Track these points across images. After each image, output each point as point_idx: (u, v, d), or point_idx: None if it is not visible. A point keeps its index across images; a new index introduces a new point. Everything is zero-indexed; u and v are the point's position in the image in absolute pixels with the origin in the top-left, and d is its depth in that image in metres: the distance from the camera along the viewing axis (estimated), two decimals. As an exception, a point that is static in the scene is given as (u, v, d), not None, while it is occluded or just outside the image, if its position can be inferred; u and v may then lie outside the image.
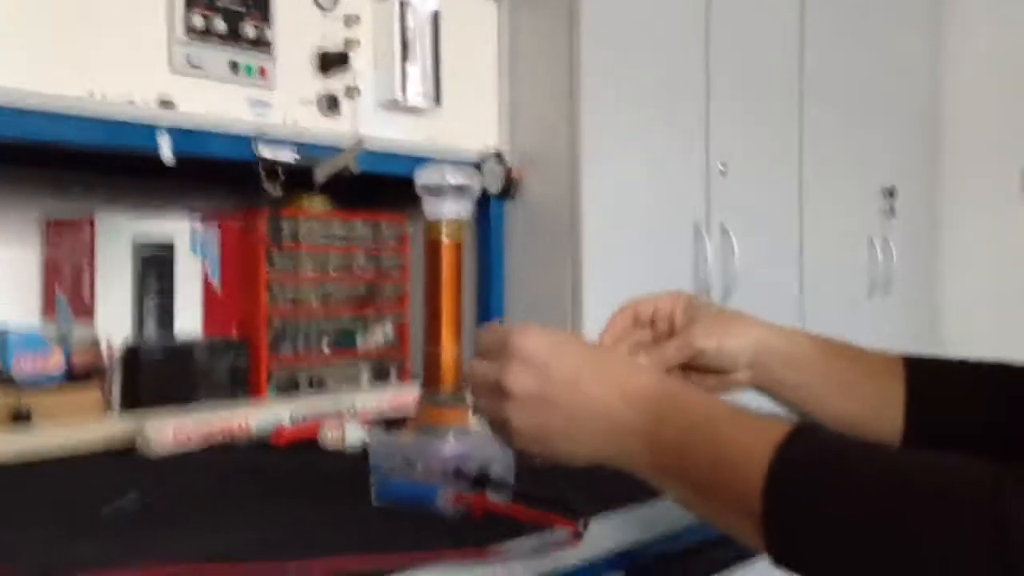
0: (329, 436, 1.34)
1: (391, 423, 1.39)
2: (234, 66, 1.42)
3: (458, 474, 0.95)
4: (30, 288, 1.57)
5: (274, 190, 1.50)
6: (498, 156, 1.84)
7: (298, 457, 1.32)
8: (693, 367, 0.92)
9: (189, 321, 1.63)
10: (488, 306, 1.89)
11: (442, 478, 0.95)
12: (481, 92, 1.83)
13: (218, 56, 1.41)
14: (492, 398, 0.81)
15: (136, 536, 0.93)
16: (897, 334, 2.88)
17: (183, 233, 1.62)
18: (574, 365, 0.79)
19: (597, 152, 1.86)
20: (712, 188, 2.14)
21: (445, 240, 0.99)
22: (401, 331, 1.93)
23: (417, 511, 0.96)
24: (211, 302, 1.66)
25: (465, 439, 0.98)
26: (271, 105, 1.49)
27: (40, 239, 1.57)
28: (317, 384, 1.79)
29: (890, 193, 2.81)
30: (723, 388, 0.94)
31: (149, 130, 1.35)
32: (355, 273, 1.85)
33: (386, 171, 1.70)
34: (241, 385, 1.66)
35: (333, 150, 1.57)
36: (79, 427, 1.35)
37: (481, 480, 0.94)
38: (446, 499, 0.95)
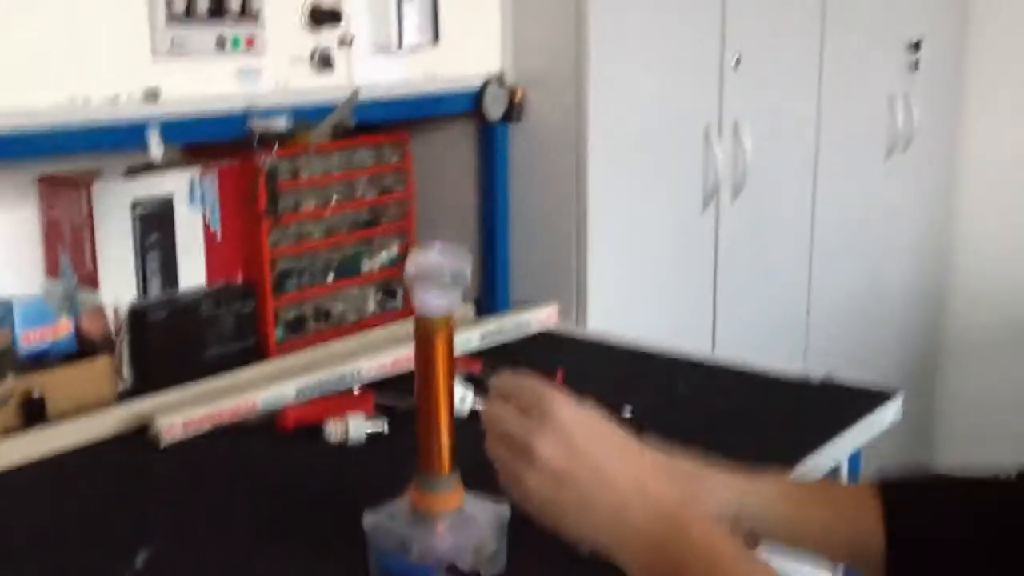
0: (333, 430, 1.37)
1: (392, 411, 1.43)
2: (221, 42, 1.37)
3: (452, 569, 0.98)
4: (32, 249, 1.56)
5: (269, 160, 1.46)
6: (500, 80, 1.78)
7: (301, 450, 1.36)
8: None
9: (193, 273, 1.63)
10: (492, 233, 1.87)
11: (436, 567, 0.99)
12: (482, 16, 1.75)
13: (203, 35, 1.34)
14: (515, 455, 0.84)
15: None
16: (914, 194, 2.85)
17: (181, 186, 1.59)
18: (604, 450, 0.83)
19: (604, 63, 1.79)
20: (725, 84, 2.06)
21: (438, 335, 0.99)
22: (407, 250, 1.92)
23: (414, 592, 1.00)
24: (213, 250, 1.66)
25: (458, 528, 1.01)
26: (261, 71, 1.44)
27: (38, 200, 1.55)
28: (323, 317, 1.81)
29: (915, 46, 2.70)
30: None
31: (137, 128, 1.31)
32: (358, 200, 1.83)
33: (385, 118, 1.66)
34: (249, 331, 1.68)
35: (328, 108, 1.52)
36: (91, 418, 1.39)
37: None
38: (440, 585, 0.99)
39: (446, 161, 1.92)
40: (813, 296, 2.48)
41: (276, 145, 1.45)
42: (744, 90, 2.10)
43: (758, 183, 2.15)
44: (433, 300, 0.98)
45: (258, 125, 1.43)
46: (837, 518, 0.91)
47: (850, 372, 2.61)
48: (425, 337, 0.99)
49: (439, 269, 0.98)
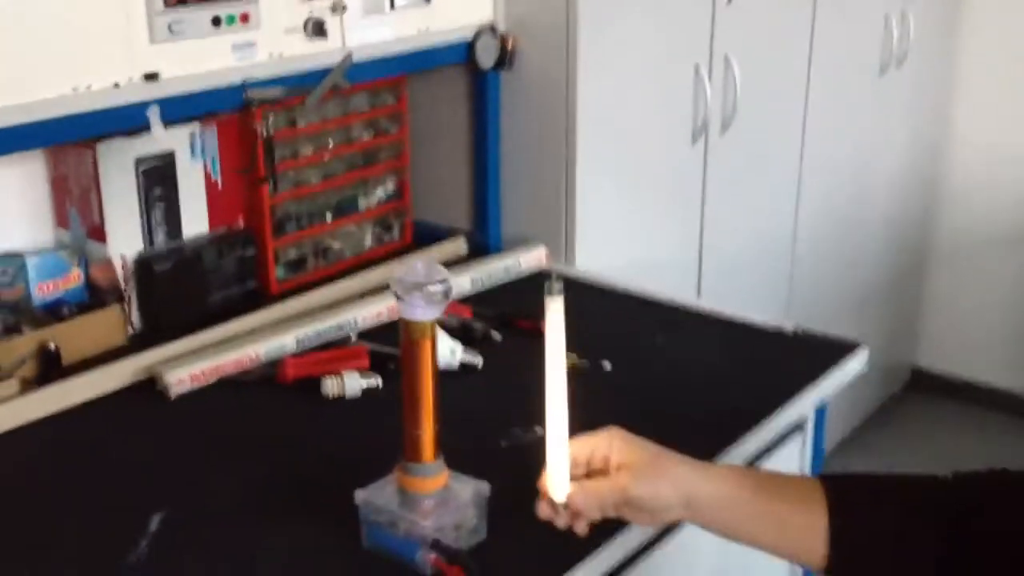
0: (330, 385, 1.47)
1: (388, 360, 1.53)
2: (216, 21, 1.41)
3: (436, 545, 1.10)
4: (41, 203, 1.64)
5: (266, 130, 1.53)
6: (492, 29, 1.82)
7: (301, 404, 1.46)
8: (628, 505, 1.03)
9: (196, 222, 1.71)
10: (484, 175, 1.93)
11: (421, 542, 1.10)
12: (473, -34, 1.78)
13: (199, 16, 1.39)
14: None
15: None
16: (908, 110, 2.89)
17: (182, 140, 1.66)
18: None
19: (594, 8, 1.82)
20: (717, 20, 2.09)
21: (424, 339, 1.07)
22: (402, 186, 2.00)
23: (400, 562, 1.12)
24: (215, 199, 1.73)
25: (441, 506, 1.12)
26: (256, 44, 1.48)
27: (45, 157, 1.62)
28: (323, 255, 1.89)
29: (914, -38, 2.70)
30: (657, 524, 1.05)
31: (138, 109, 1.37)
32: (354, 143, 1.89)
33: (380, 75, 1.71)
34: (251, 273, 1.77)
35: (323, 73, 1.57)
36: (103, 372, 1.49)
37: (457, 555, 1.09)
38: (425, 559, 1.10)
39: (440, 106, 1.97)
40: (801, 211, 2.55)
41: (271, 117, 1.51)
42: (736, 25, 2.13)
43: (748, 116, 2.20)
44: (419, 309, 1.06)
45: (255, 95, 1.49)
46: (791, 509, 1.00)
47: (839, 283, 2.74)
48: (412, 341, 1.08)
49: (425, 281, 1.05)
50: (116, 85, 1.34)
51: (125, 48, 1.34)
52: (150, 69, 1.37)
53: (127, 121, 1.38)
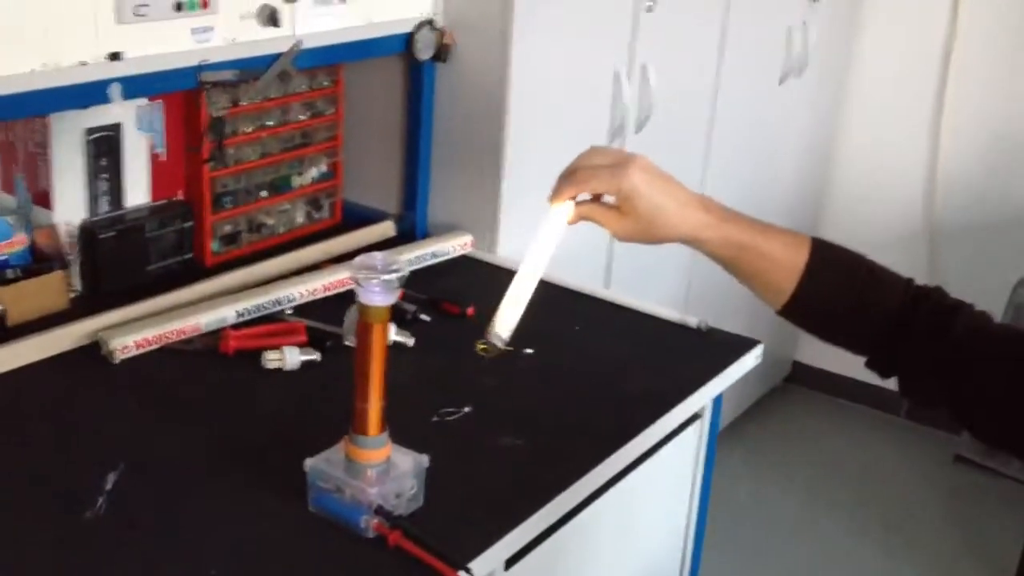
0: (270, 358, 1.56)
1: (326, 337, 1.62)
2: (178, 6, 1.48)
3: (379, 510, 1.20)
4: (-14, 166, 1.68)
5: (216, 111, 1.60)
6: (430, 23, 1.91)
7: (243, 374, 1.55)
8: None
9: (139, 194, 1.77)
10: (415, 161, 2.03)
11: (366, 508, 1.21)
12: (415, -36, 1.87)
13: (163, 0, 1.46)
14: (619, 152, 1.14)
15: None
16: (804, 117, 3.07)
17: (130, 113, 1.71)
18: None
19: (528, 10, 1.92)
20: (639, 27, 2.22)
21: (377, 323, 1.17)
22: (335, 166, 2.08)
23: (343, 525, 1.22)
24: (158, 172, 1.79)
25: (384, 476, 1.22)
26: (213, 28, 1.55)
27: (-9, 121, 1.66)
28: (256, 230, 1.97)
29: (819, -22, 2.87)
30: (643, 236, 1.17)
31: (100, 85, 1.43)
32: (291, 123, 1.96)
33: (325, 62, 1.79)
34: (188, 245, 1.84)
35: (274, 58, 1.65)
36: (50, 335, 1.55)
37: (397, 520, 1.19)
38: (368, 524, 1.21)
39: (376, 92, 2.06)
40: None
41: (220, 97, 1.58)
42: (655, 32, 2.26)
43: (661, 118, 2.34)
44: (377, 295, 1.16)
45: (208, 77, 1.56)
46: (777, 268, 1.13)
47: (732, 281, 2.89)
48: (367, 324, 1.18)
49: (381, 270, 1.15)
50: (83, 63, 1.40)
51: (92, 28, 1.40)
52: (115, 49, 1.43)
53: (90, 98, 1.44)
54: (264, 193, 1.96)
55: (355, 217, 2.09)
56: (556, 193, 1.16)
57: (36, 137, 1.63)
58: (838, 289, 1.13)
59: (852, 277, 1.13)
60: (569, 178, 1.16)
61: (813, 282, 1.12)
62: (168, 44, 1.50)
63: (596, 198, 1.18)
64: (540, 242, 1.17)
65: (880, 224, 3.35)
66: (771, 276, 1.14)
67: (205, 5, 1.51)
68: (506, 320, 1.15)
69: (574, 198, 1.16)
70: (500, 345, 1.17)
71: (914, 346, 1.09)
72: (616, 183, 1.12)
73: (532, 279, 1.17)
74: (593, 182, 1.14)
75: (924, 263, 3.34)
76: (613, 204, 1.16)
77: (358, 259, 1.17)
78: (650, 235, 1.16)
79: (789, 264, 1.13)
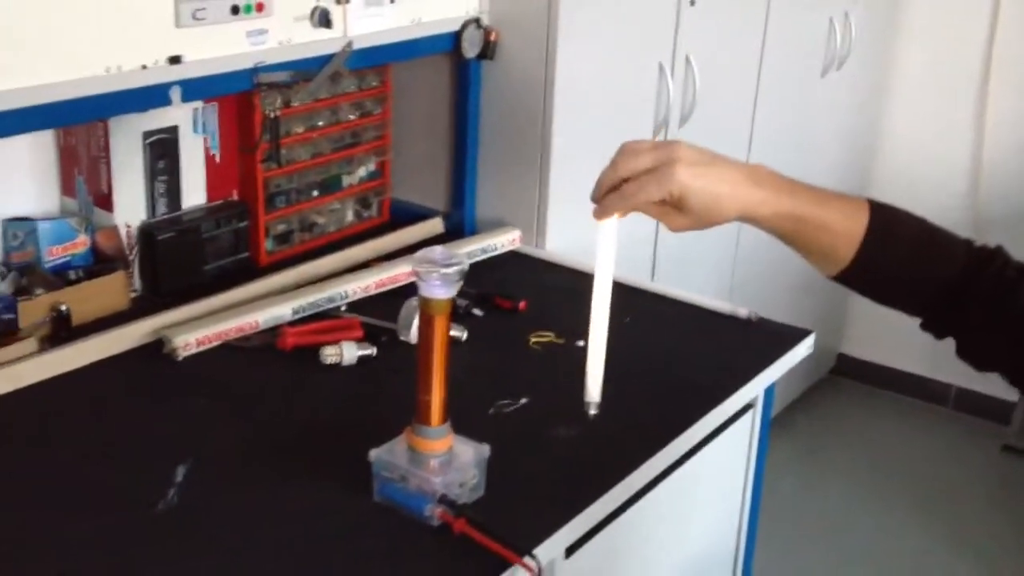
0: (328, 353, 1.59)
1: (381, 332, 1.65)
2: (235, 9, 1.51)
3: (443, 499, 1.23)
4: (48, 171, 1.72)
5: (272, 110, 1.63)
6: (477, 22, 1.94)
7: (301, 369, 1.58)
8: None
9: (195, 195, 1.81)
10: (463, 157, 2.05)
11: (430, 497, 1.23)
12: (462, -36, 1.90)
13: (220, 4, 1.49)
14: (657, 148, 1.07)
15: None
16: (844, 112, 3.07)
17: (186, 116, 1.75)
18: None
19: (573, 7, 1.94)
20: (681, 21, 2.23)
21: (439, 315, 1.20)
22: (383, 165, 2.11)
23: (408, 515, 1.24)
24: (213, 173, 1.83)
25: (447, 465, 1.25)
26: (267, 31, 1.58)
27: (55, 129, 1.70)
28: (308, 229, 2.00)
29: (861, -30, 2.87)
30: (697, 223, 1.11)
31: (161, 88, 1.47)
32: (341, 123, 1.99)
33: (376, 62, 1.82)
34: (243, 244, 1.87)
35: (326, 59, 1.68)
36: (115, 333, 1.59)
37: (462, 509, 1.22)
38: (433, 512, 1.23)
39: (423, 91, 2.08)
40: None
41: (277, 98, 1.62)
42: (698, 26, 2.27)
43: (705, 112, 2.35)
44: (437, 288, 1.18)
45: (264, 78, 1.59)
46: (836, 241, 1.09)
47: (777, 272, 2.91)
48: (428, 316, 1.20)
49: (442, 263, 1.18)
50: (144, 67, 1.44)
51: (153, 32, 1.43)
52: (174, 52, 1.46)
53: (150, 101, 1.48)
54: (315, 192, 1.99)
55: (403, 215, 2.12)
56: (604, 209, 1.10)
57: (97, 141, 1.67)
58: (897, 255, 1.11)
59: (912, 242, 1.12)
60: (616, 194, 1.09)
61: (872, 249, 1.10)
62: (225, 47, 1.53)
63: None
64: (602, 267, 1.14)
65: (925, 214, 3.33)
66: (829, 246, 1.11)
67: (260, 8, 1.54)
68: (595, 380, 1.16)
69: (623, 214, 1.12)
70: (594, 411, 1.18)
71: (976, 308, 1.08)
72: (665, 188, 1.06)
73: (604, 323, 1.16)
74: (641, 195, 1.07)
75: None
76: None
77: (419, 253, 1.20)
78: (705, 223, 1.12)
79: (847, 233, 1.10)
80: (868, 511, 3.02)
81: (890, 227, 1.12)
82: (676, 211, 1.09)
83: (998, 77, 3.20)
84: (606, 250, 1.12)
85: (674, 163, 1.05)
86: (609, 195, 1.09)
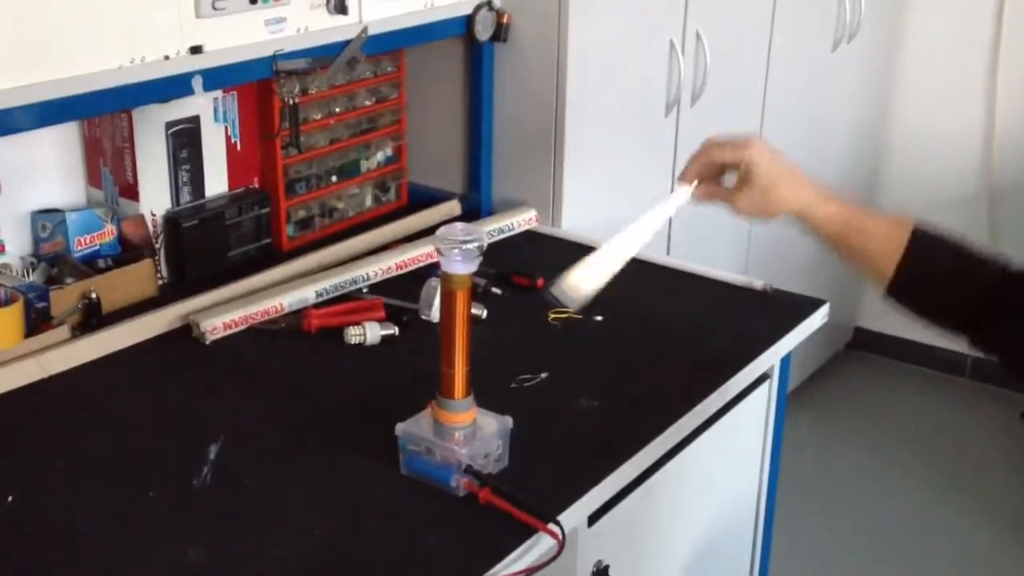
0: (352, 333, 1.62)
1: (403, 312, 1.69)
2: (253, -1, 1.55)
3: (469, 470, 1.26)
4: (73, 162, 1.76)
5: (291, 97, 1.67)
6: (489, 4, 1.96)
7: (326, 350, 1.62)
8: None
9: (217, 183, 1.85)
10: (478, 139, 2.09)
11: (456, 468, 1.27)
12: (474, -52, 1.92)
13: (238, -6, 1.53)
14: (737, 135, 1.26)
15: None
16: (855, 85, 3.08)
17: (207, 106, 1.79)
18: None
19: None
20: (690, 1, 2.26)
21: (460, 290, 1.23)
22: (400, 150, 2.14)
23: (435, 485, 1.28)
24: (234, 162, 1.87)
25: (471, 437, 1.28)
26: (285, 19, 1.62)
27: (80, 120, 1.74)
28: (328, 214, 2.04)
29: (868, -57, 2.88)
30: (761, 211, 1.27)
31: (184, 78, 1.50)
32: (358, 109, 2.03)
33: (391, 47, 1.85)
34: (266, 230, 1.91)
35: (342, 45, 1.71)
36: (144, 318, 1.63)
37: (487, 479, 1.25)
38: (459, 482, 1.27)
39: (437, 75, 2.11)
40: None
41: (295, 85, 1.66)
42: (708, 1, 2.29)
43: (716, 87, 2.37)
44: (458, 263, 1.22)
45: (283, 66, 1.62)
46: (875, 252, 1.22)
47: (792, 245, 2.93)
48: (450, 291, 1.24)
49: (464, 239, 1.21)
50: (166, 57, 1.47)
51: (175, 23, 1.47)
52: (196, 42, 1.50)
53: (173, 91, 1.51)
54: (334, 178, 2.03)
55: (421, 198, 2.15)
56: (685, 172, 1.30)
57: (121, 132, 1.70)
58: (938, 266, 1.20)
59: (952, 255, 1.20)
60: (697, 155, 1.29)
61: (914, 258, 1.19)
62: (244, 36, 1.57)
63: (718, 182, 1.30)
64: (654, 213, 1.29)
65: (937, 186, 3.35)
66: (874, 253, 1.22)
67: (278, -3, 1.58)
68: (586, 276, 1.22)
69: (700, 180, 1.29)
70: (571, 305, 1.26)
71: (1013, 325, 1.15)
72: (739, 154, 1.25)
73: (631, 245, 1.29)
74: (717, 152, 1.27)
75: (983, 224, 3.33)
76: (733, 186, 1.28)
77: (440, 230, 1.23)
78: (766, 208, 1.26)
79: (891, 241, 1.20)
80: (886, 482, 3.05)
81: (931, 237, 1.21)
82: (741, 190, 1.26)
83: (1009, 46, 3.20)
84: (669, 205, 1.31)
85: (752, 140, 1.27)
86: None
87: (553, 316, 1.71)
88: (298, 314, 1.69)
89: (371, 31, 1.76)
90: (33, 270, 1.65)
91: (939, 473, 3.08)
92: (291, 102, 1.69)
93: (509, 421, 1.32)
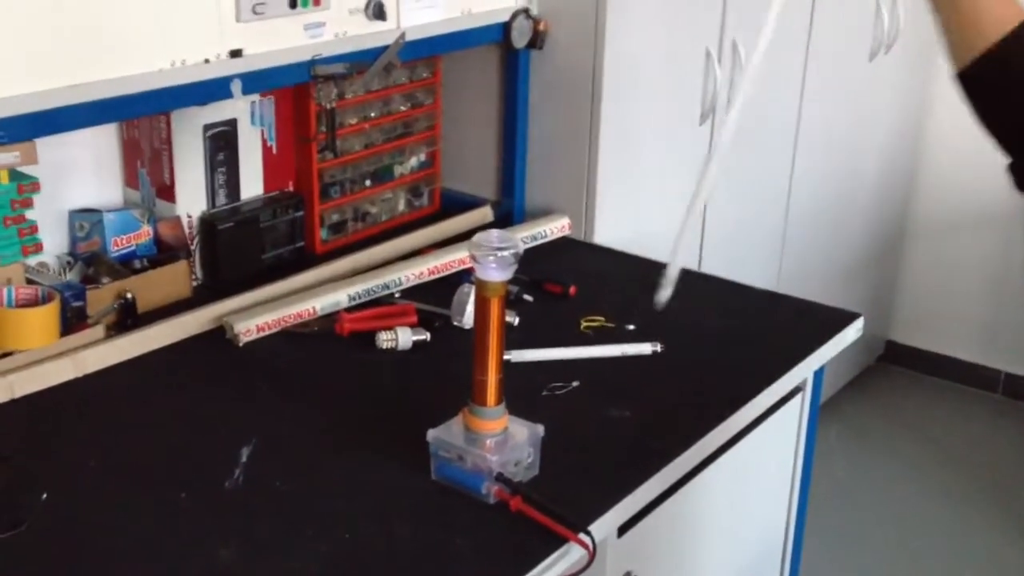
0: (384, 338, 1.63)
1: (435, 318, 1.69)
2: (293, 3, 1.56)
3: (500, 477, 1.26)
4: (111, 163, 1.78)
5: (328, 101, 1.68)
6: (526, 12, 1.97)
7: (358, 354, 1.62)
8: None
9: (253, 186, 1.86)
10: (513, 146, 2.09)
11: (487, 475, 1.26)
12: (512, -45, 1.93)
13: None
14: None
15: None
16: (892, 96, 3.06)
17: (244, 109, 1.80)
18: None
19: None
20: (728, 8, 2.25)
21: (494, 297, 1.23)
22: (433, 155, 2.15)
23: (466, 492, 1.28)
24: (270, 165, 1.88)
25: (502, 445, 1.28)
26: (324, 24, 1.63)
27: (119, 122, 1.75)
28: (361, 219, 2.04)
29: (907, -47, 2.85)
30: None
31: (223, 81, 1.51)
32: (393, 113, 2.03)
33: (428, 53, 1.85)
34: (300, 233, 1.92)
35: (380, 50, 1.72)
36: (178, 320, 1.64)
37: (518, 487, 1.25)
38: (489, 490, 1.27)
39: (472, 82, 2.12)
40: (794, 189, 2.72)
41: (333, 89, 1.66)
42: (745, 11, 2.28)
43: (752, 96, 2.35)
44: (493, 270, 1.22)
45: (321, 70, 1.63)
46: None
47: (824, 257, 2.92)
48: (484, 298, 1.24)
49: (499, 247, 1.21)
50: (206, 60, 1.48)
51: (215, 27, 1.48)
52: (235, 46, 1.51)
53: (212, 94, 1.53)
54: (368, 183, 2.03)
55: (454, 204, 2.16)
56: None
57: (159, 133, 1.72)
58: None
59: None
60: None
61: (1017, 41, 1.06)
62: (283, 40, 1.58)
63: None
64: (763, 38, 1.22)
65: (974, 200, 3.32)
66: (975, 19, 1.08)
67: (317, 2, 1.59)
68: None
69: None
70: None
71: None
72: None
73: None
74: None
75: (1021, 236, 3.30)
76: None
77: (476, 236, 1.23)
78: None
79: (1010, 6, 1.07)
80: (917, 496, 3.02)
81: None
82: None
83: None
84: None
85: None
86: None
87: (585, 325, 1.71)
88: (330, 318, 1.69)
89: (408, 37, 1.76)
90: (70, 269, 1.67)
91: (970, 489, 3.04)
92: (328, 106, 1.70)
93: (540, 429, 1.32)
